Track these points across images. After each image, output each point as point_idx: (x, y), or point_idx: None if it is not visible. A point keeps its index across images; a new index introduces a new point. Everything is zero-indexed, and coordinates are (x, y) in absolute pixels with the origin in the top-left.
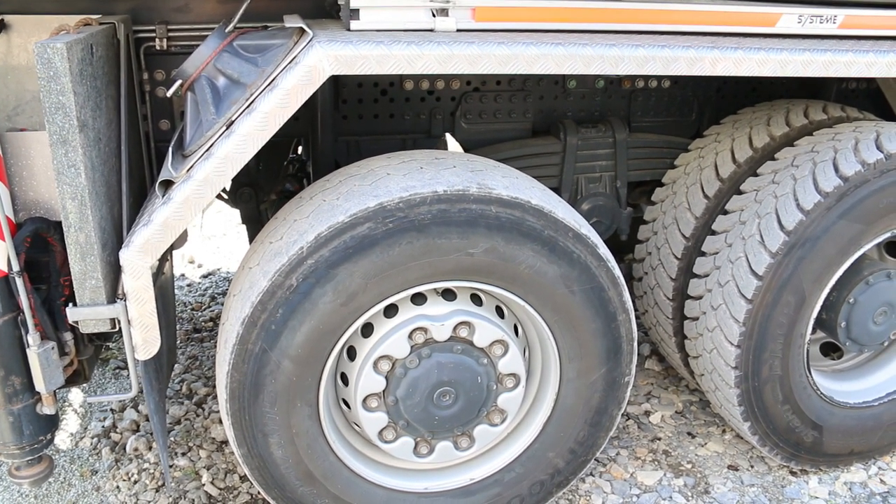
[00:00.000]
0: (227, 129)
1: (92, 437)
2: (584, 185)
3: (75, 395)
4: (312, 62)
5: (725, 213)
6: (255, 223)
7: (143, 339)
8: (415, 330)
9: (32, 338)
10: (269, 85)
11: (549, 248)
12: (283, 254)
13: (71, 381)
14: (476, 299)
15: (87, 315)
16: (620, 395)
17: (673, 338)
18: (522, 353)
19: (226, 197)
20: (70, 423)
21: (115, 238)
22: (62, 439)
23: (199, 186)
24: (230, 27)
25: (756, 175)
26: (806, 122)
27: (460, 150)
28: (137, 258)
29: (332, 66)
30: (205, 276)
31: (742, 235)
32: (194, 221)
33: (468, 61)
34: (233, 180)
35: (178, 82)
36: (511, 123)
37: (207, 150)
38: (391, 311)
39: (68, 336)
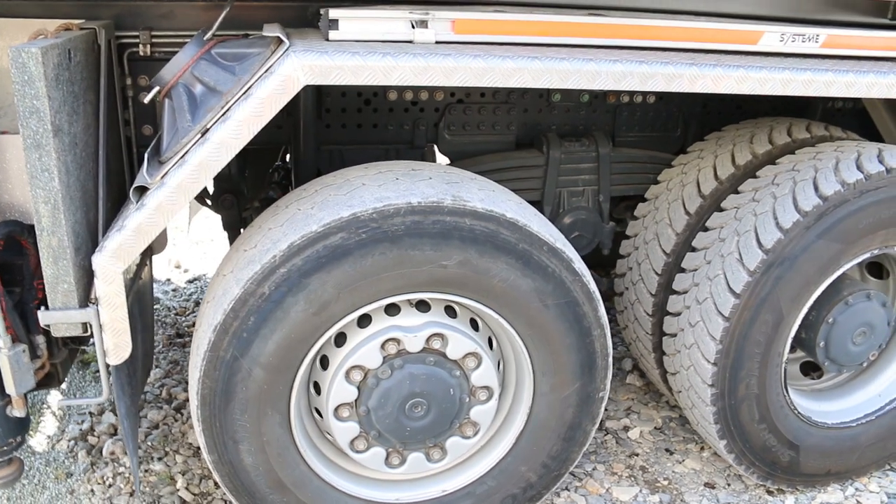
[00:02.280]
0: (201, 136)
1: (69, 440)
2: (566, 198)
3: (54, 396)
4: (287, 72)
5: (706, 229)
6: (236, 230)
7: (115, 344)
8: (387, 340)
9: (3, 340)
10: (244, 93)
11: (524, 261)
12: (257, 262)
13: (43, 384)
14: (450, 311)
15: (58, 319)
16: (594, 410)
17: (652, 353)
18: (496, 366)
19: (209, 203)
20: (47, 425)
21: (89, 242)
22: (39, 441)
23: (172, 193)
24: (209, 35)
25: (737, 192)
26: (789, 141)
27: (445, 161)
28: (110, 263)
29: (307, 76)
30: (190, 282)
31: (721, 253)
32: (181, 224)
33: (444, 73)
34: (215, 187)
35: (156, 89)
36: (495, 136)
37: (182, 157)
38: (364, 321)
39: (41, 339)
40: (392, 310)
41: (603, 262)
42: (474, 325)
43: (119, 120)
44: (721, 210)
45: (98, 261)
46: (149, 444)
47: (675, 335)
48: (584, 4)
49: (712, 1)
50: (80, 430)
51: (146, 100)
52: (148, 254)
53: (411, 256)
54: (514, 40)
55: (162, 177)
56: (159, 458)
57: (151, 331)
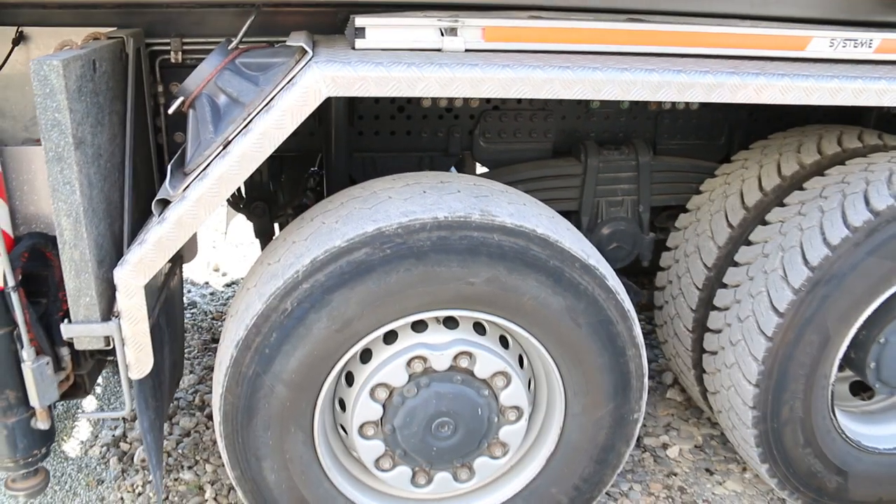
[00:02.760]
0: (223, 148)
1: (101, 446)
2: (604, 208)
3: (89, 402)
4: (308, 83)
5: (749, 243)
6: (268, 237)
7: (137, 359)
8: (413, 358)
9: (27, 353)
10: (265, 105)
11: (555, 278)
12: (279, 276)
13: (70, 394)
14: (479, 328)
15: (80, 332)
16: (629, 432)
17: (692, 370)
18: (527, 385)
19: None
20: (81, 430)
21: (114, 254)
22: (72, 447)
23: (192, 207)
24: (233, 44)
25: (782, 205)
26: (839, 150)
27: (482, 170)
28: (131, 277)
29: (329, 88)
30: (228, 285)
31: (764, 269)
32: (219, 227)
33: (471, 84)
34: (246, 194)
35: (180, 99)
36: (531, 143)
37: (203, 170)
38: (390, 337)
39: (65, 351)
40: (419, 326)
41: (643, 271)
42: (504, 342)
43: (149, 128)
44: (765, 223)
45: (119, 275)
46: (179, 451)
47: (715, 353)
48: (623, 8)
49: (757, 4)
50: (113, 435)
51: (170, 110)
52: (178, 261)
53: (437, 273)
54: (547, 48)
55: (184, 190)
56: (189, 467)
57: (181, 340)
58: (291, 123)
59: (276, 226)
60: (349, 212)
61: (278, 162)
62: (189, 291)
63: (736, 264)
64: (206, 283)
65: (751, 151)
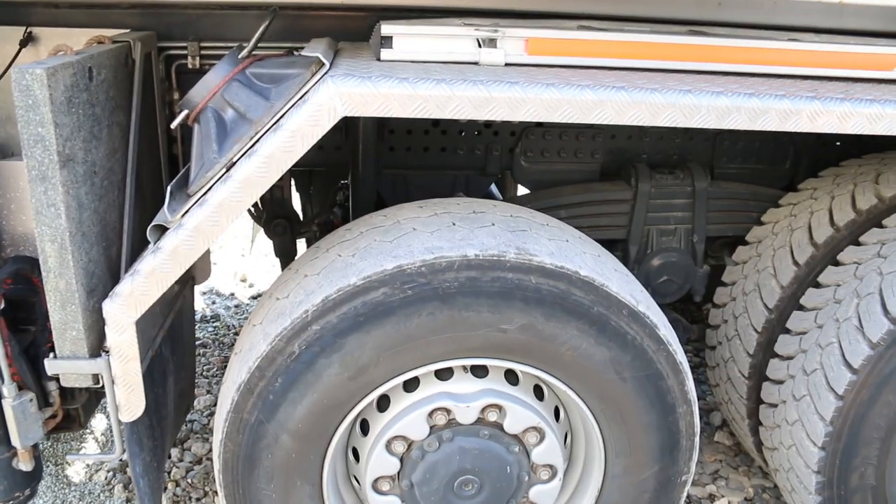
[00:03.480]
0: (226, 171)
1: (108, 471)
2: (655, 237)
3: (99, 421)
4: (321, 101)
5: (818, 285)
6: (289, 257)
7: (127, 400)
8: (436, 409)
9: (7, 389)
10: (274, 124)
11: (599, 327)
12: (287, 315)
13: (62, 427)
14: (511, 375)
15: (66, 369)
16: (675, 495)
17: (746, 420)
18: (563, 440)
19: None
20: (89, 450)
21: (108, 282)
22: (77, 470)
23: (189, 236)
24: (245, 52)
25: (858, 244)
26: None
27: (523, 191)
28: (121, 311)
29: (346, 107)
30: (254, 298)
31: (836, 317)
32: (245, 242)
33: (509, 105)
34: (266, 212)
35: (184, 113)
36: (577, 164)
37: (203, 195)
38: (411, 384)
39: (53, 385)
40: (443, 373)
41: (692, 300)
42: (539, 391)
43: (159, 139)
44: (837, 264)
45: (108, 309)
46: (188, 481)
47: (775, 406)
48: (684, 19)
49: (833, 15)
50: (120, 460)
51: (173, 125)
52: (188, 283)
53: (465, 318)
54: (598, 63)
55: (182, 215)
56: (197, 499)
57: (191, 366)
58: (301, 146)
59: (304, 241)
60: (368, 244)
61: (307, 174)
62: (213, 303)
63: (802, 308)
64: (232, 294)
65: (821, 180)
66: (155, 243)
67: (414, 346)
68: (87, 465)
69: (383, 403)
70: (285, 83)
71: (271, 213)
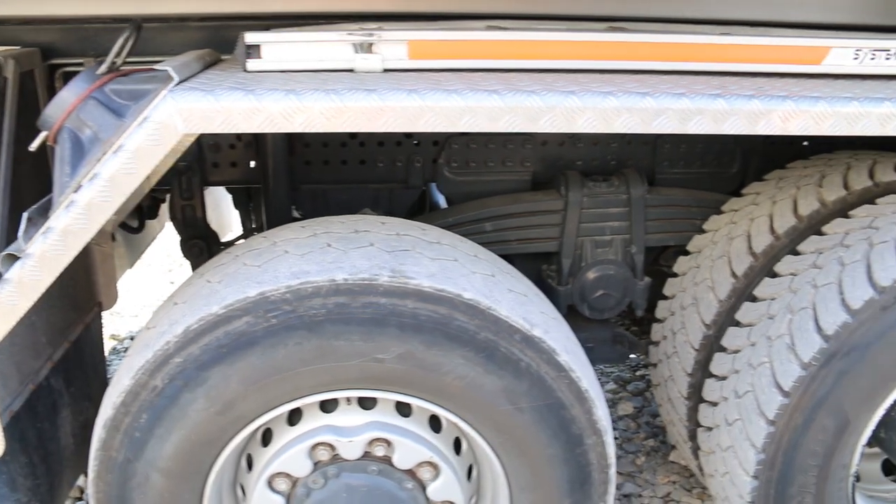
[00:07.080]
0: (74, 194)
1: None
2: (590, 249)
3: None
4: (161, 118)
5: (754, 299)
6: None
7: None
8: (318, 444)
9: None
10: (119, 145)
11: (486, 354)
12: (150, 348)
13: None
14: (406, 406)
15: None
16: None
17: (688, 443)
18: (467, 473)
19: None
20: None
21: None
22: None
23: (35, 267)
24: (102, 68)
25: (796, 253)
26: (870, 185)
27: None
28: None
29: (187, 124)
30: None
31: (768, 334)
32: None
33: (365, 116)
34: (182, 233)
35: (43, 134)
36: (506, 174)
37: (48, 222)
38: (296, 416)
39: None
40: (329, 404)
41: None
42: (437, 422)
43: (50, 158)
44: (774, 275)
45: None
46: None
47: (710, 430)
48: (603, 15)
49: (776, 5)
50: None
51: (32, 147)
52: (93, 308)
53: (336, 348)
54: (493, 66)
55: (31, 244)
56: None
57: (100, 397)
58: (144, 167)
59: None
60: (237, 269)
61: (245, 191)
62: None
63: (738, 324)
64: None
65: (765, 184)
66: (5, 273)
67: (283, 379)
68: None
69: (269, 437)
70: (143, 99)
71: (186, 234)
